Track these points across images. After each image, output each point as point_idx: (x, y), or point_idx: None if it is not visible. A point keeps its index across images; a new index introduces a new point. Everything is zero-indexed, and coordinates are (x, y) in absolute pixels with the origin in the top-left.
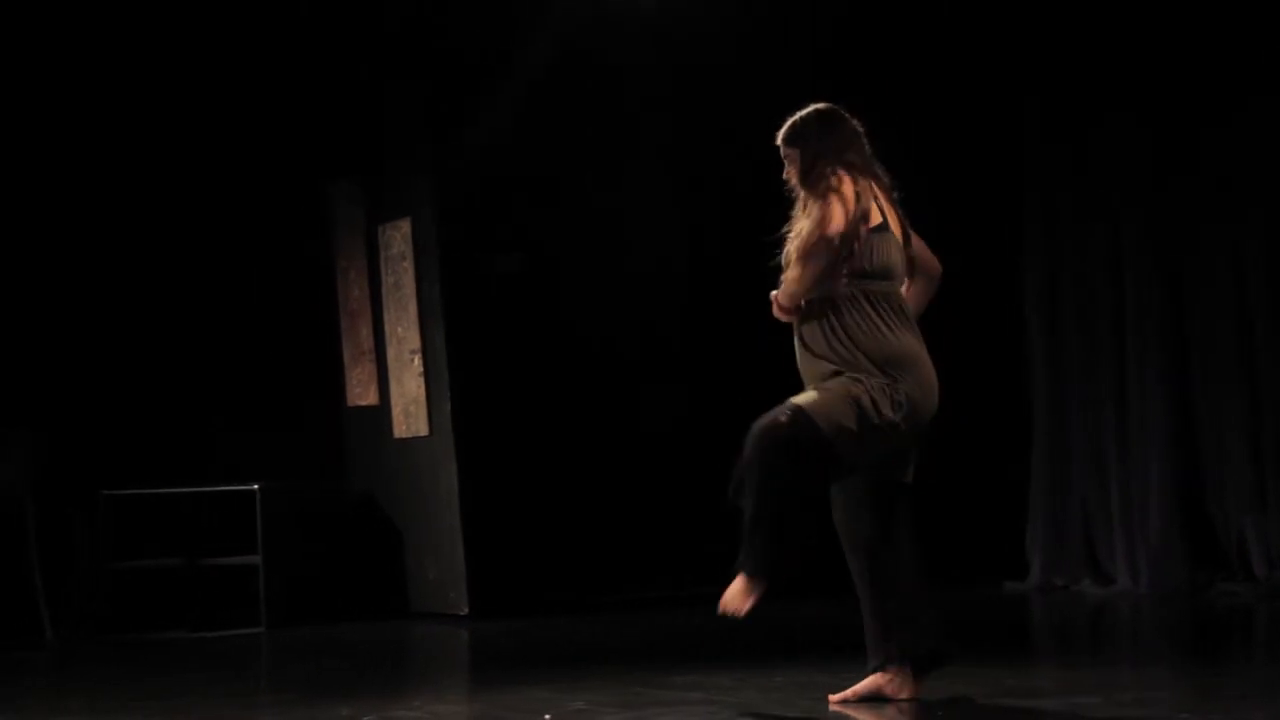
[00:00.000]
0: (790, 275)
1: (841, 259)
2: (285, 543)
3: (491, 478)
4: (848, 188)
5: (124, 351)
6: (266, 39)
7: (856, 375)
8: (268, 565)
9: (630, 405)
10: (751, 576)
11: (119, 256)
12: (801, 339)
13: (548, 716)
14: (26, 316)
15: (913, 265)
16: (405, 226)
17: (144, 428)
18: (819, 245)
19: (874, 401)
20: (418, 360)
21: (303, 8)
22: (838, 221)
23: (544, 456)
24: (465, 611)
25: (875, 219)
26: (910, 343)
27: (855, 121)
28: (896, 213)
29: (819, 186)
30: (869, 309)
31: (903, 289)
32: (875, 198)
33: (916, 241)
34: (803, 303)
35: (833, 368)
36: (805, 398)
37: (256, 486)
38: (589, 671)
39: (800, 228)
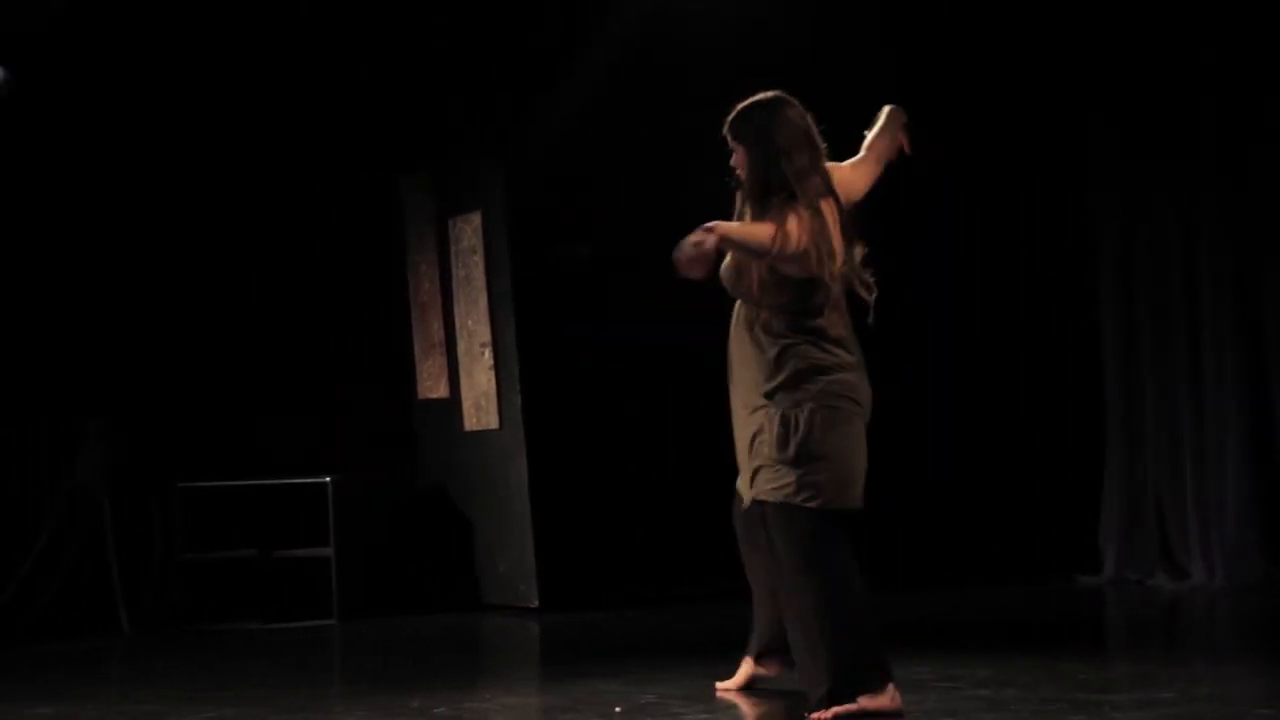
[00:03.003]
0: (760, 231)
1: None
2: (357, 535)
3: (562, 471)
4: (793, 225)
5: (198, 344)
6: (340, 34)
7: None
8: (339, 557)
9: (700, 398)
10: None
11: (196, 250)
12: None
13: (618, 710)
14: (105, 310)
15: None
16: (476, 220)
17: (218, 420)
18: (796, 259)
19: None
20: (488, 353)
21: (376, 3)
22: (795, 243)
23: (614, 449)
24: (535, 604)
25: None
26: (853, 373)
27: (802, 114)
28: (834, 203)
29: (768, 215)
30: (818, 335)
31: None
32: (819, 212)
33: (850, 178)
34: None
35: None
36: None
37: (329, 479)
38: (660, 665)
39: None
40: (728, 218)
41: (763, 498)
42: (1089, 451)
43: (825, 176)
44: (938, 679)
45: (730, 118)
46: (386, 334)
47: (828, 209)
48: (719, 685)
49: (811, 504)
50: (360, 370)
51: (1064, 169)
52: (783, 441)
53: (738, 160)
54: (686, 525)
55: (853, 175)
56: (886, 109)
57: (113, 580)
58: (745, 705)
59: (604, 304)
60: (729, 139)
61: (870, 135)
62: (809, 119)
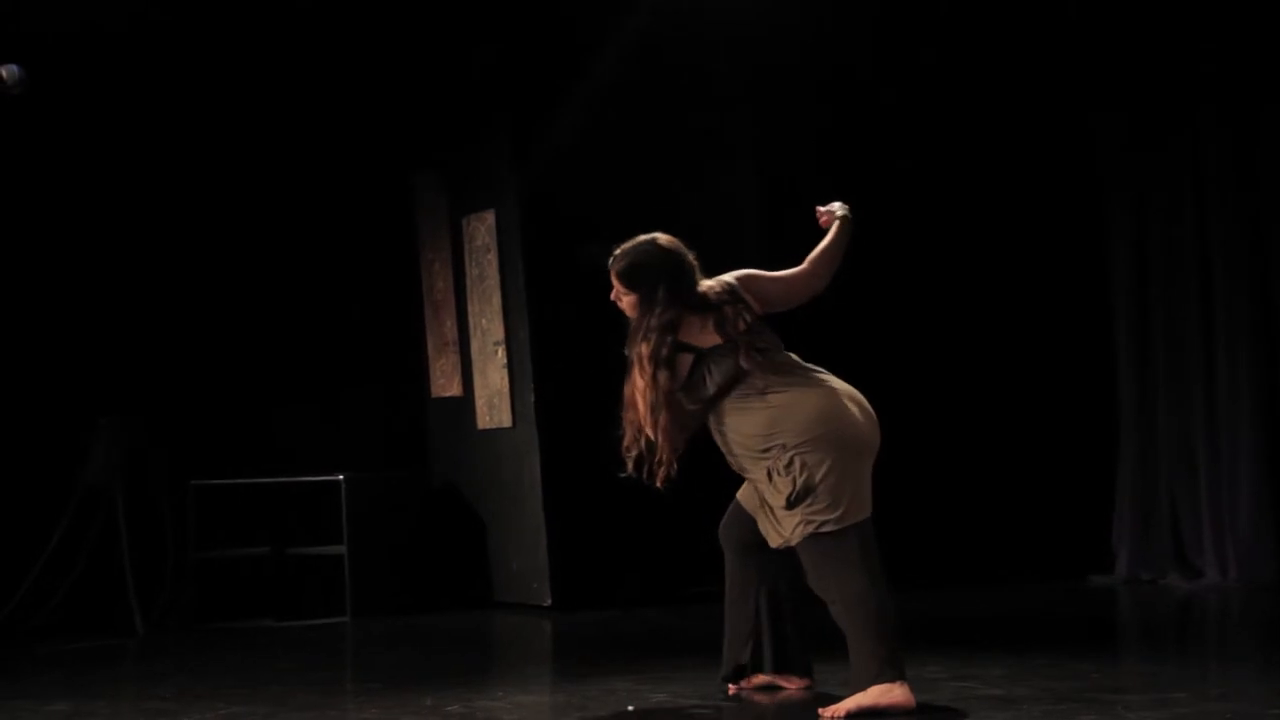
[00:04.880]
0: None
1: (677, 413)
2: (370, 533)
3: (575, 469)
4: (648, 396)
5: (212, 342)
6: (354, 31)
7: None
8: (352, 555)
9: None
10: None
11: (210, 248)
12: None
13: (631, 708)
14: (119, 308)
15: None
16: (490, 218)
17: (231, 418)
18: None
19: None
20: (501, 352)
21: (392, 1)
22: (658, 433)
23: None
24: (548, 602)
25: (704, 342)
26: (790, 397)
27: (682, 255)
28: (725, 324)
29: (632, 367)
30: (746, 403)
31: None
32: (685, 345)
33: (769, 289)
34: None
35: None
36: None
37: (342, 477)
38: (672, 664)
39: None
40: (738, 217)
41: None
42: (1102, 451)
43: (699, 305)
44: (951, 677)
45: (618, 260)
46: (400, 332)
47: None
48: (731, 685)
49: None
50: (374, 368)
51: (1078, 168)
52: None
53: (619, 295)
54: (699, 524)
55: (782, 290)
56: (836, 223)
57: (126, 578)
58: (757, 704)
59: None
60: (617, 282)
61: (818, 248)
62: (690, 265)
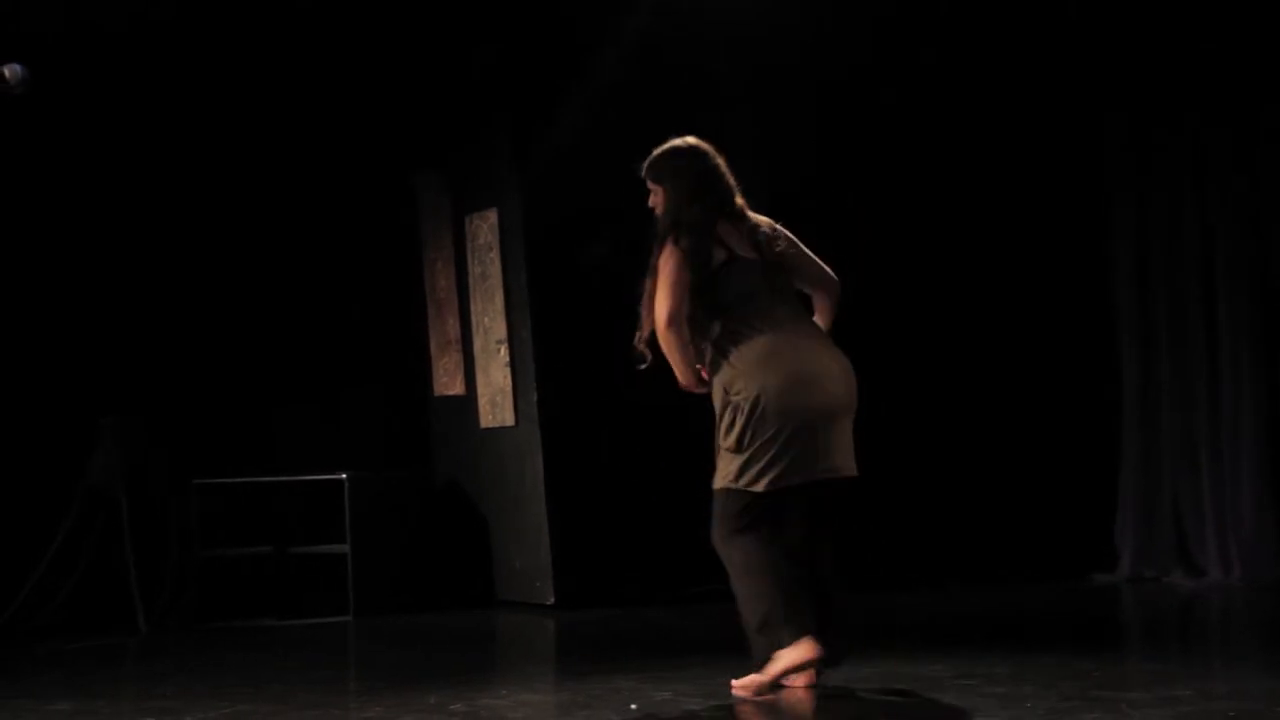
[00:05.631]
0: (665, 348)
1: (685, 327)
2: (373, 531)
3: (578, 468)
4: (668, 266)
5: (215, 342)
6: (356, 31)
7: (731, 395)
8: (355, 554)
9: None
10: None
11: (212, 247)
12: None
13: (634, 707)
14: (121, 308)
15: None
16: (492, 217)
17: (234, 417)
18: (665, 339)
19: (738, 410)
20: (504, 350)
21: (394, 1)
22: (661, 313)
23: (630, 446)
24: (551, 601)
25: (720, 256)
26: (771, 342)
27: (715, 159)
28: (761, 243)
29: (657, 253)
30: (740, 330)
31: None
32: (721, 241)
33: (804, 258)
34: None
35: (721, 393)
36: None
37: (344, 476)
38: (675, 662)
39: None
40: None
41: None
42: (1105, 450)
43: (738, 217)
44: (955, 676)
45: (648, 160)
46: (402, 331)
47: (735, 230)
48: (734, 683)
49: None
50: (376, 367)
51: (1079, 166)
52: None
53: (654, 200)
54: (703, 522)
55: (805, 262)
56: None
57: (129, 577)
58: (761, 702)
59: (620, 300)
60: (647, 180)
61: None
62: (719, 169)
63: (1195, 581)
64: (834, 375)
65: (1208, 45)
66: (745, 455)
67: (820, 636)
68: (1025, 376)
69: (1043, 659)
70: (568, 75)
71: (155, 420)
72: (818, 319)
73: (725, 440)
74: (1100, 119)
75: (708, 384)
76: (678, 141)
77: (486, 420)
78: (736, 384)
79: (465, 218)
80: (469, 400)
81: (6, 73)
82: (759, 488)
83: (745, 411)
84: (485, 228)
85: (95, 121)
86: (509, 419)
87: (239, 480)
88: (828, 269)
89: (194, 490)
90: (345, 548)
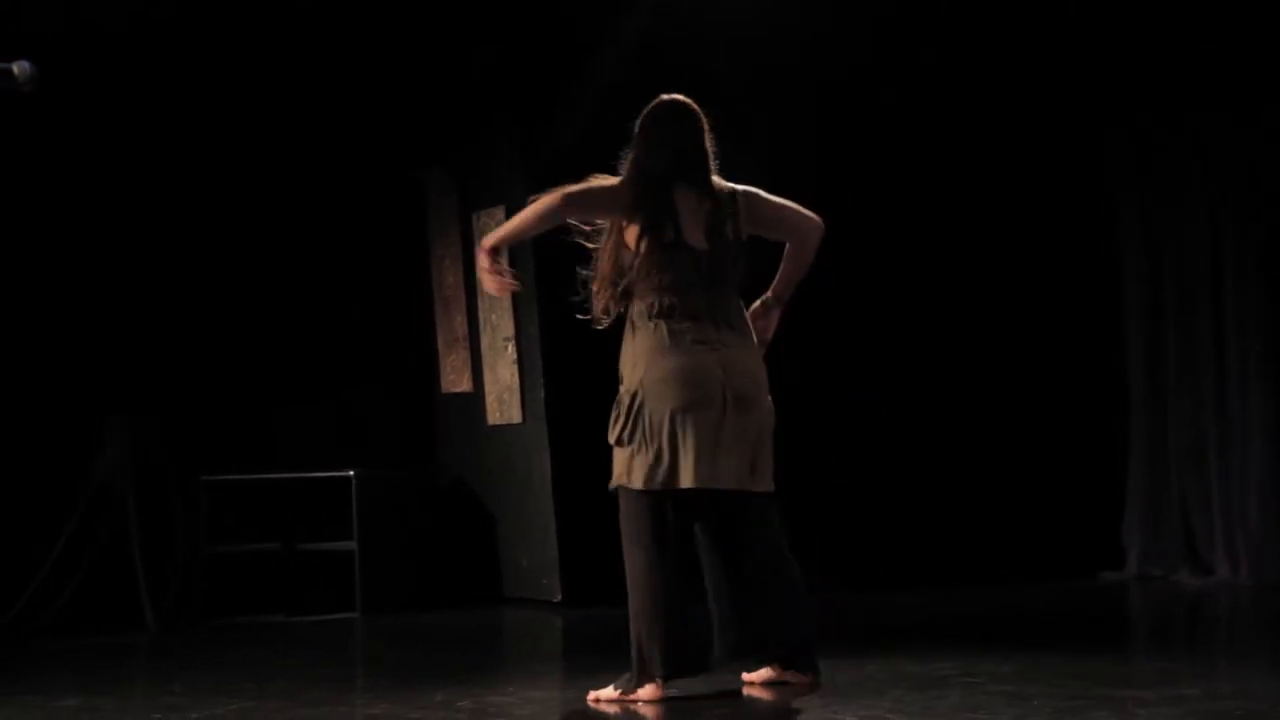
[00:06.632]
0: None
1: (561, 219)
2: (380, 529)
3: (585, 465)
4: (594, 182)
5: (222, 339)
6: (363, 30)
7: (620, 385)
8: (363, 551)
9: None
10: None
11: (219, 245)
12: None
13: (640, 704)
14: (128, 305)
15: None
16: (499, 215)
17: (242, 415)
18: (538, 201)
19: (619, 402)
20: (511, 348)
21: (401, 1)
22: (569, 188)
23: None
24: (558, 598)
25: (668, 236)
26: (673, 333)
27: (698, 122)
28: (715, 229)
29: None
30: (655, 317)
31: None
32: (673, 214)
33: (781, 210)
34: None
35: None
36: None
37: (352, 473)
38: None
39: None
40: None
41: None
42: (1113, 448)
43: (699, 184)
44: (961, 674)
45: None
46: (410, 328)
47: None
48: (745, 676)
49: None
50: (384, 365)
51: (1086, 162)
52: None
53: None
54: None
55: (775, 211)
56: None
57: (137, 574)
58: (767, 700)
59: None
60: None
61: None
62: (692, 128)
63: (1202, 580)
64: (720, 377)
65: (1208, 45)
66: (627, 451)
67: (776, 650)
68: (1031, 374)
69: (1049, 657)
70: (570, 75)
71: (163, 418)
72: (786, 264)
73: (609, 433)
74: (1102, 118)
75: (505, 286)
76: (666, 96)
77: (494, 417)
78: (623, 371)
79: (473, 215)
80: (476, 397)
81: (15, 69)
82: (638, 484)
83: (625, 404)
84: (493, 225)
85: (102, 120)
86: (516, 416)
87: (246, 477)
88: (806, 212)
89: (202, 487)
90: (352, 545)
